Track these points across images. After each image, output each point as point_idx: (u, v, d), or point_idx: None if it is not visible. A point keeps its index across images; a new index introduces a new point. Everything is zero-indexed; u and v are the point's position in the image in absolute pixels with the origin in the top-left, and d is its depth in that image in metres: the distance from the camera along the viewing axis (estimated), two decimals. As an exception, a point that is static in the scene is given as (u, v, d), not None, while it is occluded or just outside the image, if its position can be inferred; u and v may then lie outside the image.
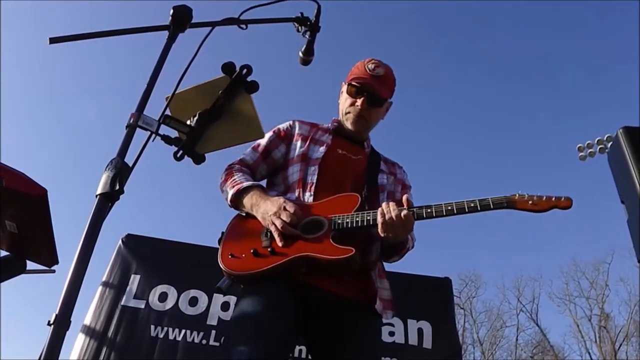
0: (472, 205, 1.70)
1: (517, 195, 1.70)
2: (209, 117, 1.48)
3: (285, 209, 1.80)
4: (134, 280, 4.08)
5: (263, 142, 2.10)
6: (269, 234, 1.82)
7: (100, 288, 4.05)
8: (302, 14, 1.81)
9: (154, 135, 1.33)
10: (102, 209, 1.17)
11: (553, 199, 1.67)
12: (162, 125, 1.36)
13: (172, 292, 4.04)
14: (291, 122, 2.17)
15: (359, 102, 2.07)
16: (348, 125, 2.13)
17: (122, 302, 3.96)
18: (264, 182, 2.10)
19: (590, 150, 14.24)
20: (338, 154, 2.05)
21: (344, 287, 1.81)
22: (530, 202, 1.68)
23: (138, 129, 1.30)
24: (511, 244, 35.76)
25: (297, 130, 2.13)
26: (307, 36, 1.86)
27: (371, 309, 1.83)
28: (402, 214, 1.71)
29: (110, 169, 1.21)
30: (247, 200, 1.90)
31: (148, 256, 4.27)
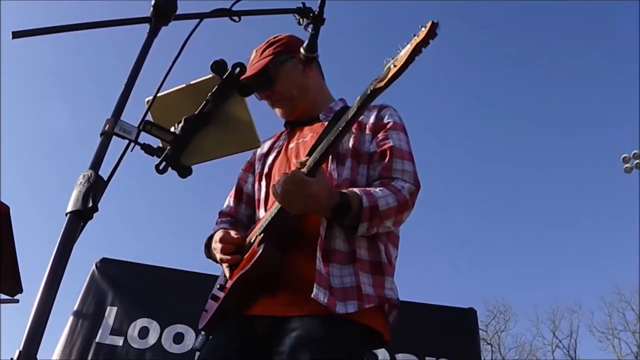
0: (344, 123, 1.60)
1: (382, 72, 1.53)
2: (197, 124, 1.48)
3: (217, 241, 1.88)
4: (111, 312, 4.06)
5: (234, 184, 2.21)
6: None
7: (70, 321, 4.03)
8: (303, 4, 1.82)
9: (132, 145, 1.32)
10: (73, 229, 1.16)
11: (413, 38, 1.44)
12: (143, 133, 1.36)
13: (154, 327, 4.02)
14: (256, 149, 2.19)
15: (263, 98, 2.13)
16: (283, 118, 2.18)
17: (97, 339, 3.93)
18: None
19: (637, 161, 14.22)
20: (287, 150, 2.04)
21: (278, 303, 1.70)
22: (392, 66, 1.49)
23: (115, 138, 1.29)
24: (545, 270, 35.57)
25: (257, 154, 2.19)
26: (309, 30, 1.85)
27: (315, 317, 1.64)
28: (287, 179, 1.62)
29: (83, 184, 1.20)
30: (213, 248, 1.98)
31: (127, 284, 4.26)
